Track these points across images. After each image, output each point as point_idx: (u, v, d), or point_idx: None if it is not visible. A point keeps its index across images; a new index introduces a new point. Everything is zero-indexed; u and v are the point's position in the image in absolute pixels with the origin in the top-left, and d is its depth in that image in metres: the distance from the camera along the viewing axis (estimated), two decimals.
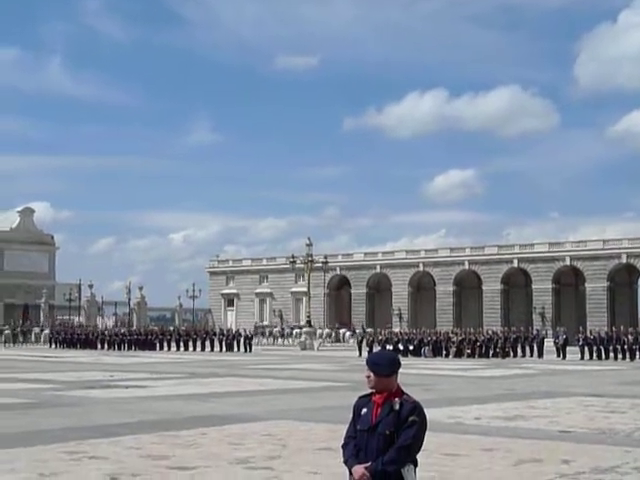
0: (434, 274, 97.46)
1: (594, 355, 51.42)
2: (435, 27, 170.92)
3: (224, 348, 64.25)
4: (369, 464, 5.84)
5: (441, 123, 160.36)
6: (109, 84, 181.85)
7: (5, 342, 75.70)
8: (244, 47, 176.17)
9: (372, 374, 5.94)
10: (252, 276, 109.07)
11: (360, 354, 52.66)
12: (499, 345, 55.05)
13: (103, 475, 11.19)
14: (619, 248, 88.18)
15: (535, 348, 54.97)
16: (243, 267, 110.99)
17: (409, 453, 5.86)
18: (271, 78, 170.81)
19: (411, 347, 56.95)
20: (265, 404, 21.41)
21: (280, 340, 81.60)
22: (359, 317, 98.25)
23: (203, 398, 23.02)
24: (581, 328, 59.29)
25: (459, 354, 54.59)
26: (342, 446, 6.18)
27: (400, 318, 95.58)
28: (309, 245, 72.63)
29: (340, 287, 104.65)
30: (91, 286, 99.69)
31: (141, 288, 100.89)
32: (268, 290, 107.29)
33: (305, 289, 78.70)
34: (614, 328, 57.20)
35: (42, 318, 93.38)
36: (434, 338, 58.25)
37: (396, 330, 69.94)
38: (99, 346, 68.48)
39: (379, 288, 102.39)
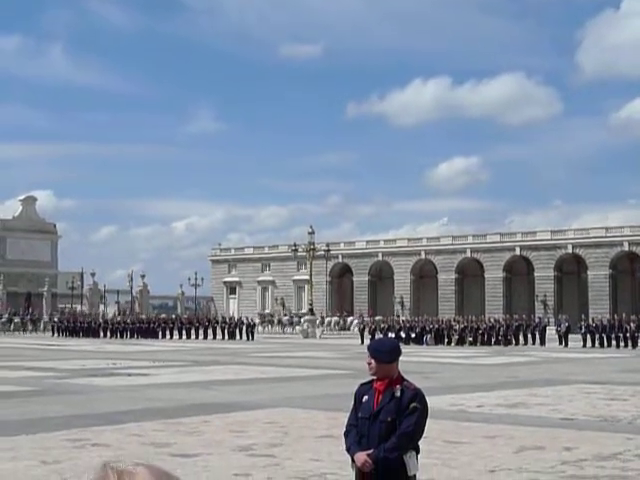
0: (436, 262, 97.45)
1: (596, 343, 51.45)
2: (438, 14, 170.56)
3: (226, 336, 64.35)
4: (371, 451, 5.85)
5: (444, 110, 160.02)
6: (111, 72, 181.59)
7: (15, 330, 76.95)
8: (247, 35, 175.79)
9: (373, 361, 5.95)
10: (254, 264, 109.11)
11: (362, 342, 52.74)
12: (501, 333, 55.07)
13: None
14: (621, 236, 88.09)
15: (537, 336, 54.99)
16: (245, 255, 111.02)
17: (411, 440, 5.87)
18: (274, 66, 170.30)
19: (413, 335, 57.02)
20: (267, 392, 21.45)
21: (289, 328, 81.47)
22: (361, 305, 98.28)
23: (205, 386, 23.06)
24: (583, 316, 59.31)
25: (461, 342, 54.62)
26: (344, 434, 6.19)
27: (402, 306, 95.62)
28: (311, 233, 72.64)
29: (342, 275, 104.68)
30: (93, 274, 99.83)
31: (143, 276, 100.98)
32: (270, 278, 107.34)
33: (307, 277, 78.75)
34: (616, 316, 57.19)
35: (45, 306, 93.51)
36: (436, 326, 58.29)
37: (397, 318, 70.00)
38: (102, 334, 68.60)
39: (381, 276, 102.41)
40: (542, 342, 53.91)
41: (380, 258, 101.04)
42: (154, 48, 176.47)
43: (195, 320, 70.10)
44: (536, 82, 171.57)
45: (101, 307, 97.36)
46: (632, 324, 51.99)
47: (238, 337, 63.95)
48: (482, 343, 53.92)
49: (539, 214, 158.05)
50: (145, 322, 69.93)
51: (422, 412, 5.90)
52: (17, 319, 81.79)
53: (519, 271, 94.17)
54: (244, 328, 65.20)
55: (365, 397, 6.02)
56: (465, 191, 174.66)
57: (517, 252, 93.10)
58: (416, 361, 31.71)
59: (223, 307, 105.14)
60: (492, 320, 59.03)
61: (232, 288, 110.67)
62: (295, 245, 74.99)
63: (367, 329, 59.67)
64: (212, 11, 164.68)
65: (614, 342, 50.96)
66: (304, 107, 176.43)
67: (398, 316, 68.69)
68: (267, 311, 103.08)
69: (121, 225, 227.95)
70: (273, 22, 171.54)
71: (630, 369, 31.26)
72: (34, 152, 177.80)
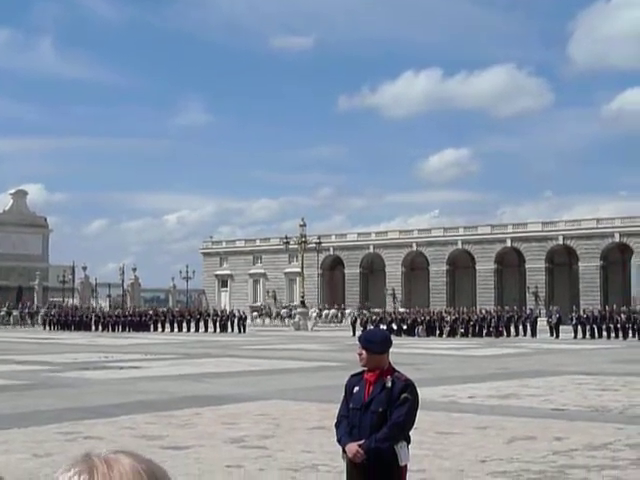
0: (427, 254, 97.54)
1: (587, 334, 51.62)
2: (430, 6, 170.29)
3: (218, 329, 64.37)
4: (362, 442, 5.88)
5: (435, 102, 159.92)
6: (101, 65, 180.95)
7: (14, 324, 77.55)
8: (238, 26, 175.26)
9: (364, 352, 5.97)
10: (246, 257, 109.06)
11: (354, 334, 52.78)
12: (492, 324, 55.20)
13: None
14: (612, 227, 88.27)
15: (528, 327, 55.14)
16: (237, 248, 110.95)
17: (402, 430, 5.90)
18: (265, 58, 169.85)
19: (405, 327, 57.13)
20: (259, 384, 21.48)
21: (287, 321, 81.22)
22: (353, 297, 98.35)
23: (197, 378, 23.07)
24: (574, 307, 59.51)
25: (452, 333, 54.74)
26: (335, 425, 6.21)
27: (394, 298, 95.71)
28: (303, 226, 72.65)
29: (334, 267, 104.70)
30: (85, 268, 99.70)
31: (135, 269, 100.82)
32: (262, 271, 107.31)
33: (299, 269, 78.76)
34: (607, 307, 57.39)
35: (36, 300, 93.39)
36: (427, 318, 58.40)
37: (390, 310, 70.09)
38: (93, 328, 68.53)
39: (372, 268, 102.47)
40: (533, 333, 54.06)
41: (371, 250, 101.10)
42: (143, 40, 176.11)
43: (187, 313, 70.05)
44: (527, 73, 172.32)
45: (92, 301, 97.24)
46: (623, 315, 52.17)
47: (230, 330, 63.98)
48: (473, 335, 54.04)
49: (530, 205, 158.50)
50: (137, 315, 69.89)
51: (413, 403, 5.93)
52: (16, 312, 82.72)
53: (510, 263, 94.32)
54: (236, 321, 65.24)
55: (356, 388, 6.05)
56: (456, 183, 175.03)
57: (508, 244, 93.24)
58: (408, 353, 31.77)
59: (215, 300, 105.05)
60: (483, 312, 59.18)
61: (224, 281, 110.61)
62: (286, 238, 75.00)
63: (359, 321, 59.75)
64: (202, 2, 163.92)
65: (605, 333, 51.14)
66: (295, 99, 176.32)
67: (395, 308, 68.51)
68: (259, 304, 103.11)
69: (112, 218, 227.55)
70: (264, 13, 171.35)
71: (621, 360, 31.38)
72: (24, 146, 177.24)
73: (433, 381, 21.25)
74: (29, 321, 79.82)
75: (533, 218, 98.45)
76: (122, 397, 18.37)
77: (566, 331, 52.33)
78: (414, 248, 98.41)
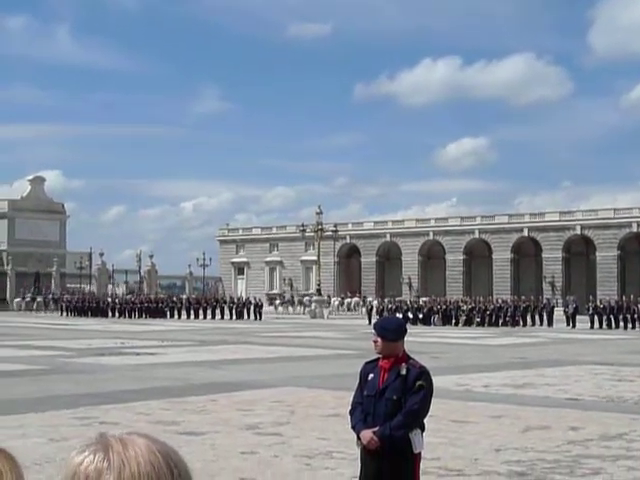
0: (444, 243, 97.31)
1: (604, 324, 51.46)
2: None
3: (234, 316, 64.57)
4: (377, 429, 5.89)
5: (454, 91, 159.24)
6: (118, 52, 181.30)
7: (38, 309, 78.59)
8: (255, 14, 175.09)
9: (380, 339, 5.97)
10: (262, 245, 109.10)
11: (370, 322, 52.79)
12: (509, 314, 55.12)
13: None
14: (630, 217, 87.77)
15: (545, 317, 55.03)
16: (253, 235, 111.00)
17: (417, 418, 5.90)
18: (282, 46, 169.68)
19: (420, 315, 57.11)
20: (274, 371, 21.53)
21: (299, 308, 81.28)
22: (369, 286, 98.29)
23: (213, 365, 23.14)
24: (591, 297, 59.28)
25: (469, 323, 54.70)
26: (349, 412, 6.22)
27: (410, 287, 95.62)
28: (319, 214, 72.64)
29: (350, 256, 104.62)
30: (102, 254, 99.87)
31: (151, 256, 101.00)
32: (278, 259, 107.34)
33: (315, 258, 78.79)
34: (624, 297, 57.17)
35: (53, 286, 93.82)
36: (444, 307, 58.36)
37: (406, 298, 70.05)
38: (110, 314, 68.86)
39: (389, 257, 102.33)
40: (550, 323, 53.94)
41: (388, 239, 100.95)
42: (160, 28, 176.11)
43: (203, 300, 70.32)
44: (546, 62, 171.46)
45: (109, 287, 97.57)
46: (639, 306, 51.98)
47: (246, 317, 64.16)
48: (490, 324, 53.98)
49: (547, 195, 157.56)
50: (153, 302, 70.15)
51: (428, 390, 5.93)
52: (40, 298, 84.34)
53: (527, 252, 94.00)
54: (252, 308, 65.40)
55: (371, 375, 6.05)
56: (473, 172, 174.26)
57: (525, 233, 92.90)
58: (423, 341, 31.76)
59: (231, 287, 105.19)
60: (500, 301, 59.08)
61: (240, 268, 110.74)
62: (303, 226, 75.03)
63: (375, 309, 59.80)
64: None
65: (622, 323, 50.98)
66: (312, 87, 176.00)
67: (418, 297, 68.16)
68: (275, 291, 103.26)
69: (129, 205, 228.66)
70: (281, 1, 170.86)
71: (637, 350, 31.27)
72: (42, 132, 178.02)
73: (448, 370, 21.24)
74: (53, 307, 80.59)
75: (550, 208, 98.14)
76: (138, 383, 18.45)
77: (583, 321, 52.18)
78: (431, 237, 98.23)
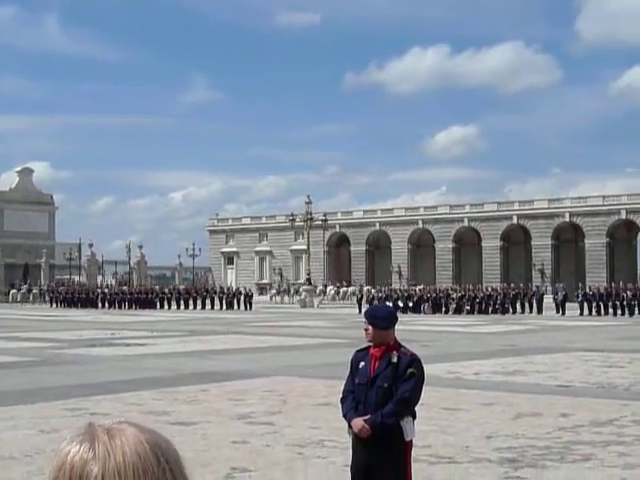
0: (433, 231, 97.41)
1: (593, 311, 51.63)
2: None
3: (224, 306, 64.53)
4: (368, 417, 5.88)
5: (443, 79, 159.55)
6: (106, 42, 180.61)
7: (34, 301, 78.72)
8: (244, 3, 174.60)
9: (370, 327, 5.96)
10: (252, 234, 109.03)
11: (360, 311, 52.81)
12: (498, 301, 55.26)
13: None
14: (619, 204, 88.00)
15: (534, 304, 55.18)
16: (243, 225, 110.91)
17: (408, 405, 5.90)
18: (271, 35, 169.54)
19: (411, 304, 57.19)
20: (265, 361, 21.52)
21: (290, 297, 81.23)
22: (359, 274, 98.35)
23: (203, 355, 23.13)
24: (580, 284, 59.46)
25: (458, 310, 54.80)
26: (341, 400, 6.21)
27: (400, 275, 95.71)
28: (309, 203, 72.61)
29: (340, 245, 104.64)
30: (91, 245, 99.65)
31: (141, 247, 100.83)
32: (268, 248, 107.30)
33: (305, 247, 78.76)
34: (613, 284, 57.37)
35: (42, 278, 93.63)
36: (434, 295, 58.45)
37: (396, 287, 70.07)
38: (100, 305, 68.75)
39: (378, 245, 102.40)
40: (539, 310, 54.09)
41: (377, 228, 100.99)
42: (149, 18, 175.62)
43: (193, 290, 70.25)
44: (535, 50, 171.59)
45: (99, 278, 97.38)
46: (629, 292, 52.16)
47: (236, 307, 64.14)
48: (479, 312, 54.11)
49: (536, 183, 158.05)
50: (143, 293, 70.06)
51: (419, 378, 5.92)
52: (36, 290, 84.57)
53: (516, 240, 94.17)
54: (242, 298, 65.37)
55: (362, 363, 6.04)
56: (463, 160, 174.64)
57: (514, 221, 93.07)
58: (413, 330, 31.80)
59: (221, 277, 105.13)
60: (489, 289, 59.22)
61: (230, 258, 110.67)
62: (292, 215, 74.97)
63: (365, 298, 59.84)
64: None
65: (611, 310, 51.15)
66: (302, 76, 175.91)
67: (414, 284, 68.05)
68: (265, 281, 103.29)
69: (118, 196, 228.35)
70: None
71: (626, 337, 31.38)
72: (31, 123, 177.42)
73: (439, 357, 21.27)
74: (48, 298, 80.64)
75: (539, 195, 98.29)
76: (128, 374, 18.42)
77: (572, 308, 52.34)
78: (420, 225, 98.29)
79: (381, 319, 5.98)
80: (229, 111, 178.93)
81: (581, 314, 51.04)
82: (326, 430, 11.23)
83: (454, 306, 55.50)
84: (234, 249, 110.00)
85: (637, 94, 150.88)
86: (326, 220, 76.94)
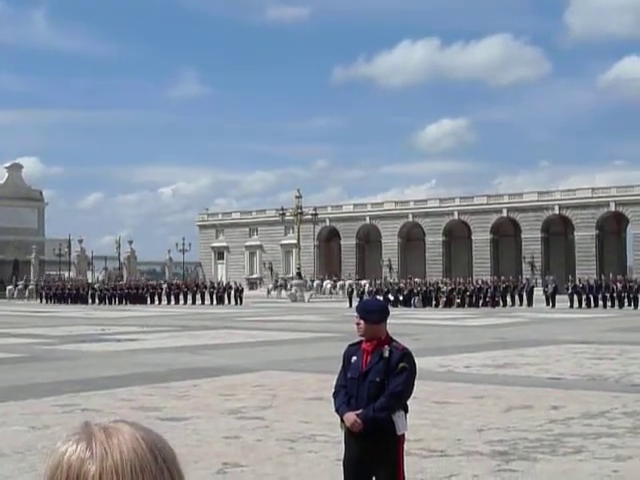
0: (424, 225, 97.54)
1: (583, 303, 51.78)
2: None
3: (215, 301, 64.49)
4: (360, 411, 5.87)
5: (432, 72, 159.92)
6: (95, 37, 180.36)
7: (29, 297, 79.60)
8: None
9: (362, 321, 5.95)
10: (242, 229, 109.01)
11: (350, 305, 52.85)
12: (489, 294, 55.34)
13: None
14: (608, 196, 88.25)
15: (525, 297, 55.32)
16: (233, 220, 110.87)
17: (400, 399, 5.89)
18: (261, 29, 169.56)
19: (401, 297, 57.22)
20: (256, 355, 21.51)
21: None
22: (349, 268, 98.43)
23: (194, 350, 23.09)
24: (570, 277, 59.60)
25: (449, 304, 54.87)
26: (333, 394, 6.20)
27: (390, 269, 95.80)
28: (298, 197, 72.58)
29: (330, 239, 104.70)
30: (81, 241, 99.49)
31: (131, 242, 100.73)
32: (258, 243, 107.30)
33: (295, 241, 78.77)
34: (603, 276, 57.52)
35: (32, 274, 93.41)
36: (424, 288, 58.50)
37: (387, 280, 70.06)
38: (90, 301, 68.61)
39: (369, 239, 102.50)
40: (529, 303, 54.23)
41: (368, 221, 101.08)
42: (138, 12, 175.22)
43: (183, 285, 70.19)
44: (524, 43, 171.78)
45: (89, 274, 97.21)
46: (618, 284, 52.30)
47: (227, 302, 64.10)
48: (470, 305, 54.18)
49: (526, 175, 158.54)
50: (133, 288, 69.96)
51: (411, 372, 5.92)
52: (32, 285, 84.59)
53: (506, 233, 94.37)
54: (232, 293, 65.34)
55: (354, 358, 6.03)
56: (452, 153, 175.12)
57: (504, 214, 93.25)
58: (404, 323, 31.82)
59: (211, 272, 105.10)
60: (480, 282, 59.30)
61: (220, 253, 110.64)
62: (282, 209, 74.95)
63: (355, 292, 59.86)
64: None
65: (601, 302, 51.30)
66: (291, 70, 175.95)
67: (410, 278, 67.85)
68: (255, 276, 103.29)
69: (108, 191, 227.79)
70: None
71: (616, 328, 31.47)
72: (19, 119, 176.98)
73: (430, 351, 21.28)
74: (43, 294, 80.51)
75: (529, 188, 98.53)
76: (119, 369, 18.38)
77: (562, 300, 52.47)
78: (410, 219, 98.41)
79: (373, 313, 5.97)
80: (217, 105, 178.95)
81: (571, 306, 51.19)
82: (318, 424, 11.23)
83: (444, 299, 55.57)
84: (224, 244, 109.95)
85: (626, 86, 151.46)
86: (316, 214, 76.97)
